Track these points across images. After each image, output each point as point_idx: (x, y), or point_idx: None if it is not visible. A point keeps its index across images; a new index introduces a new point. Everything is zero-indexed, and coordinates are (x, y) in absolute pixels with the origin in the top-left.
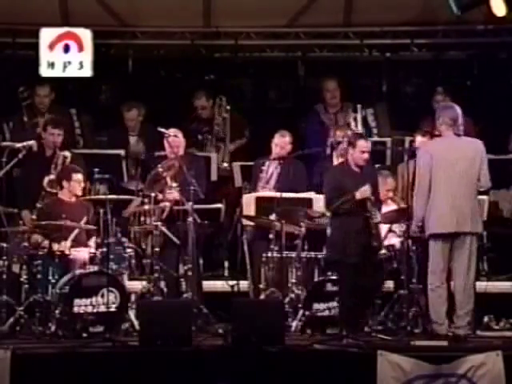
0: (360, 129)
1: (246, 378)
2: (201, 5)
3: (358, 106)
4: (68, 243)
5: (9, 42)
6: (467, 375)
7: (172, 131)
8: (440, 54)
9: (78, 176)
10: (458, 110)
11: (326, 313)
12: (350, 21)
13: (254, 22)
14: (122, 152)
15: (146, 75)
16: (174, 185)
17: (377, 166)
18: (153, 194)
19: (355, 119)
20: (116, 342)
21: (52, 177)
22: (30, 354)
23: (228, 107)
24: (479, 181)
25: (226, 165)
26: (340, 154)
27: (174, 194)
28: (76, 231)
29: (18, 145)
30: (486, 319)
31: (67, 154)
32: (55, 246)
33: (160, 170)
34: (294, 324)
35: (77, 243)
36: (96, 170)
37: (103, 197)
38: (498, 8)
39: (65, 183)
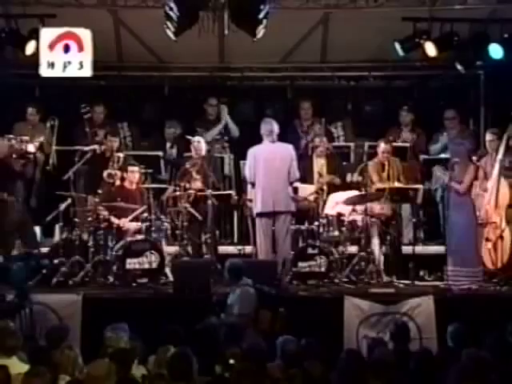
0: (341, 133)
1: None
2: (216, 47)
3: (322, 120)
4: (127, 220)
5: None
6: (408, 313)
7: (196, 139)
8: (390, 83)
9: (134, 168)
10: (274, 123)
11: (307, 269)
12: (325, 59)
13: (255, 59)
14: (160, 153)
15: (178, 98)
16: (198, 177)
17: (344, 163)
18: (182, 184)
19: (336, 127)
20: (156, 290)
21: (109, 171)
22: (96, 298)
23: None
24: (289, 174)
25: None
26: (318, 154)
27: (197, 183)
28: (136, 212)
29: (86, 148)
30: (421, 273)
31: (121, 155)
32: (116, 221)
33: (187, 166)
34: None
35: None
36: (142, 166)
37: (147, 185)
38: (431, 50)
39: (125, 174)
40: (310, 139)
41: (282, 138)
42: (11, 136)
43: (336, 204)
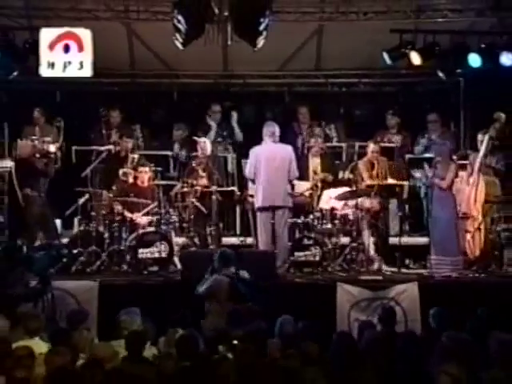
0: (334, 135)
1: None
2: (220, 56)
3: (323, 123)
4: (140, 215)
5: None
6: (394, 298)
7: (202, 140)
8: (378, 89)
9: (145, 169)
10: (276, 126)
11: (303, 258)
12: (320, 67)
13: (256, 67)
14: (169, 153)
15: (185, 102)
16: (203, 174)
17: (337, 162)
18: (189, 181)
19: (330, 129)
20: (166, 277)
21: (125, 170)
22: (111, 285)
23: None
24: (289, 172)
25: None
26: (313, 154)
27: (203, 180)
28: (147, 207)
29: (102, 148)
30: (407, 262)
31: (136, 156)
32: (129, 215)
33: (194, 164)
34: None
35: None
36: (152, 164)
37: (157, 182)
38: (416, 59)
39: (137, 174)
40: (306, 140)
41: (282, 139)
42: (34, 137)
43: (330, 199)
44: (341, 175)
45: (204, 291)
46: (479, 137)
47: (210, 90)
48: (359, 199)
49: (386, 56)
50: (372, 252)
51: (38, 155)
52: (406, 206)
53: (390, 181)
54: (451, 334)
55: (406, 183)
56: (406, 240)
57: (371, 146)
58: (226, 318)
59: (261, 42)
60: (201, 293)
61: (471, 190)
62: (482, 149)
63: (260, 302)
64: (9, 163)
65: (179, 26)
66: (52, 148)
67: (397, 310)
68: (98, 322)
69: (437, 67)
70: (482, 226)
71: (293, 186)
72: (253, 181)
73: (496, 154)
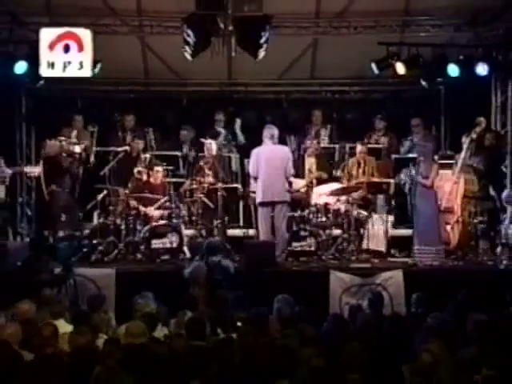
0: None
1: (253, 288)
2: (225, 66)
3: (327, 126)
4: (153, 208)
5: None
6: (382, 284)
7: (208, 141)
8: (367, 96)
9: (158, 168)
10: (275, 129)
11: (300, 248)
12: (314, 76)
13: (257, 76)
14: (179, 153)
15: (193, 107)
16: (210, 173)
17: (330, 161)
18: (197, 179)
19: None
20: (176, 265)
21: (139, 169)
22: (127, 272)
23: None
24: (286, 170)
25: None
26: (308, 154)
27: (209, 178)
28: (159, 202)
29: (119, 149)
30: (392, 251)
31: (147, 155)
32: (143, 209)
33: (201, 164)
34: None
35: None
36: (163, 164)
37: (168, 180)
38: (401, 69)
39: (151, 172)
40: (303, 142)
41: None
42: (62, 138)
43: (319, 195)
44: (334, 173)
45: (187, 275)
46: (463, 139)
47: (215, 96)
48: (349, 194)
49: (374, 66)
50: (361, 211)
51: (64, 154)
52: (392, 201)
53: (377, 178)
54: (434, 316)
55: (392, 180)
56: (392, 232)
57: (359, 148)
58: (230, 302)
59: (261, 53)
60: (186, 275)
61: (453, 186)
62: (464, 150)
63: (235, 289)
64: (37, 170)
65: (188, 39)
66: (77, 149)
67: (384, 294)
68: (116, 305)
69: (420, 76)
70: (461, 219)
71: (290, 183)
72: (255, 178)
73: (478, 155)
